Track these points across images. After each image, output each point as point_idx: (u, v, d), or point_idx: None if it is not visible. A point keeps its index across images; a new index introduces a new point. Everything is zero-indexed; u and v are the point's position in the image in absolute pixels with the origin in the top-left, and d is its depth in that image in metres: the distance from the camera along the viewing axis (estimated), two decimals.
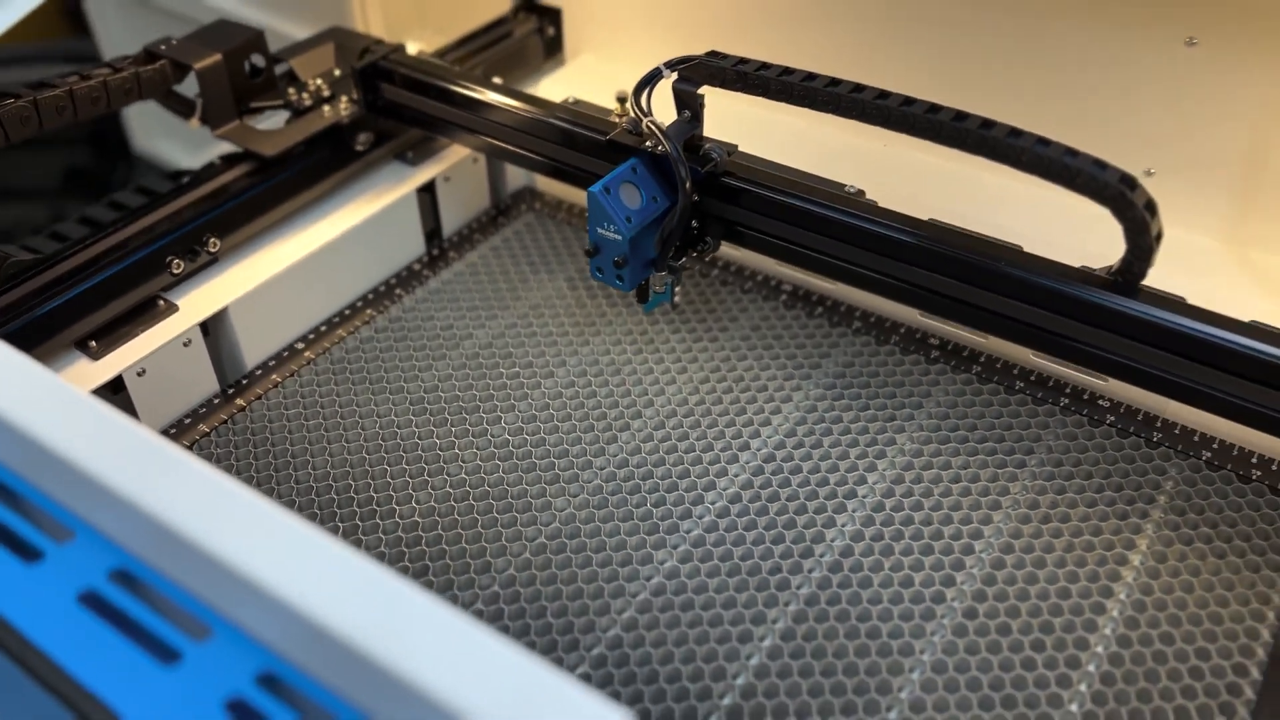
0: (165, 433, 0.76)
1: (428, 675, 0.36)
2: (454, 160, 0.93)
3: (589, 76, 1.03)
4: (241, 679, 0.41)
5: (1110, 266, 0.64)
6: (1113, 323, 0.63)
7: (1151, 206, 0.60)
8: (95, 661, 0.43)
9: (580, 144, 0.77)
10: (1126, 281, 0.63)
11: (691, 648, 0.62)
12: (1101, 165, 0.60)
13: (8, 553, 0.48)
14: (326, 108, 0.85)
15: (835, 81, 0.67)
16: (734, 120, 0.78)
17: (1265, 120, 0.74)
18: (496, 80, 0.90)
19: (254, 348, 0.81)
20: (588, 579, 0.66)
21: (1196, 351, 0.60)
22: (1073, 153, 0.61)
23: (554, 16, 1.03)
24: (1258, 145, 0.76)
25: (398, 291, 0.90)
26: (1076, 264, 0.65)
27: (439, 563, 0.68)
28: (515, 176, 1.00)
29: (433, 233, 0.94)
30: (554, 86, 1.02)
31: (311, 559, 0.42)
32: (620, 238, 0.70)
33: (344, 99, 0.87)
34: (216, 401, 0.79)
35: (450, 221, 0.95)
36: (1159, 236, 0.61)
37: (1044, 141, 0.61)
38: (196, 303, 0.77)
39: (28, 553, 0.49)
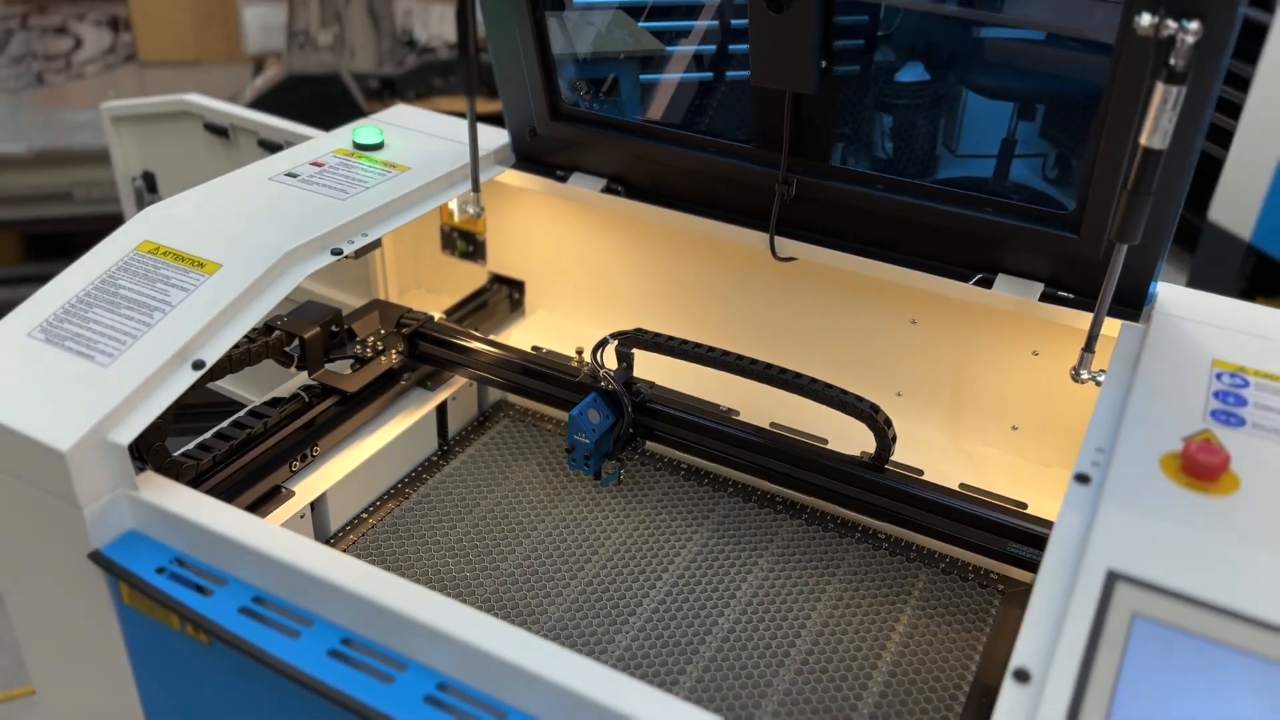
0: None
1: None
2: (458, 386, 1.38)
3: (544, 326, 1.51)
4: None
5: (869, 453, 1.13)
6: (871, 487, 1.11)
7: (888, 422, 1.10)
8: None
9: (559, 382, 1.23)
10: (877, 464, 1.12)
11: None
12: (859, 399, 1.10)
13: (373, 679, 0.85)
14: (382, 358, 1.30)
15: (713, 349, 1.16)
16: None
17: (961, 365, 1.26)
18: (494, 338, 1.35)
19: (338, 517, 1.22)
20: (577, 653, 1.08)
21: (918, 503, 1.09)
22: (844, 392, 1.10)
23: (519, 286, 1.51)
24: (960, 379, 1.28)
25: (424, 476, 1.32)
26: (863, 444, 1.13)
27: None
28: (494, 393, 1.45)
29: (441, 430, 1.38)
30: (520, 334, 1.49)
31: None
32: (589, 441, 1.16)
33: (393, 351, 1.31)
34: None
35: (454, 426, 1.39)
36: (894, 438, 1.11)
37: (830, 386, 1.11)
38: (307, 489, 1.18)
39: (384, 677, 0.86)
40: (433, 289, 1.57)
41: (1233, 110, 3.07)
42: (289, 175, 1.24)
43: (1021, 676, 0.70)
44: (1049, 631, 0.71)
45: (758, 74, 1.09)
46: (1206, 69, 0.87)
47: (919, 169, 1.14)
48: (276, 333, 1.24)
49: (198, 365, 0.99)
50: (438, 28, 3.67)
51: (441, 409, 1.37)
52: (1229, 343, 1.00)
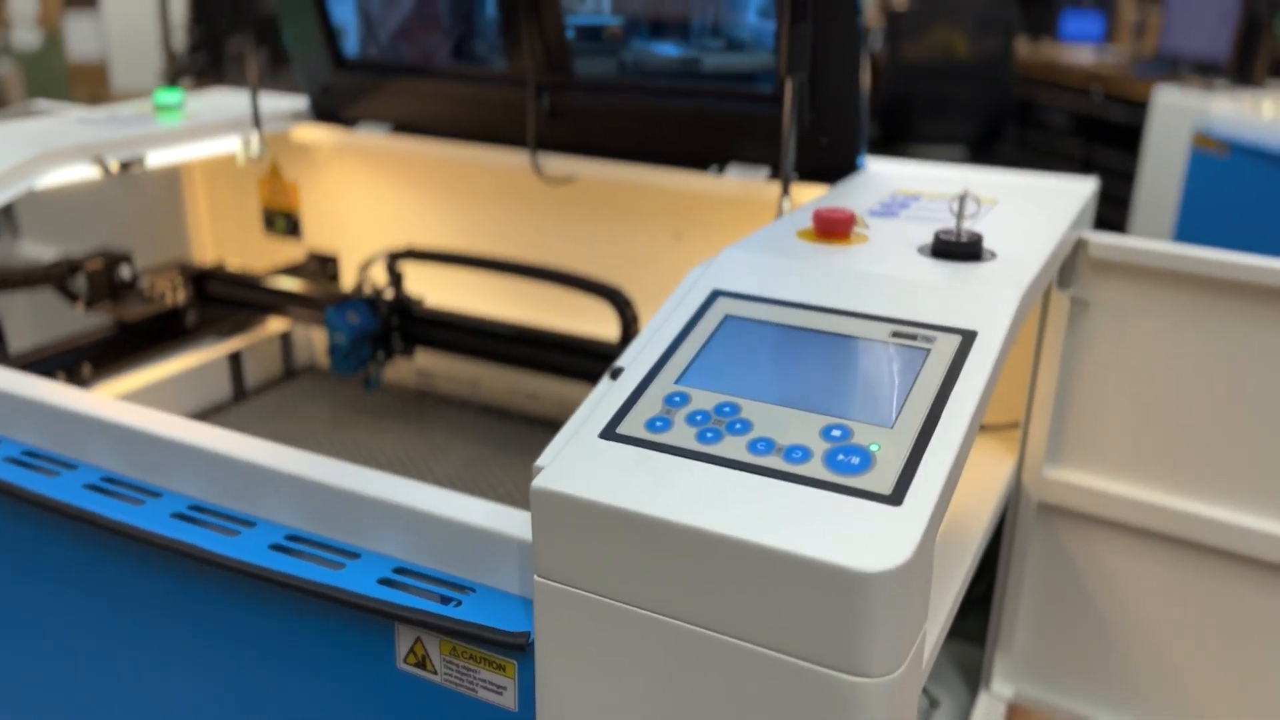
0: None
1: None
2: (258, 339, 1.41)
3: None
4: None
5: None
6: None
7: (628, 303, 1.13)
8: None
9: (334, 300, 1.27)
10: (624, 342, 1.14)
11: None
12: (606, 285, 1.14)
13: (45, 476, 0.87)
14: (168, 297, 1.34)
15: (469, 257, 1.21)
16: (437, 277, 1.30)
17: None
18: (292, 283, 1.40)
19: None
20: None
21: None
22: (588, 279, 1.14)
23: (334, 261, 1.56)
24: None
25: (210, 415, 1.33)
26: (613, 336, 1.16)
27: None
28: (302, 354, 1.48)
29: (236, 377, 1.40)
30: None
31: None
32: (345, 340, 1.18)
33: (181, 293, 1.35)
34: None
35: (252, 378, 1.41)
36: (634, 317, 1.14)
37: (588, 279, 1.15)
38: None
39: (50, 474, 0.88)
40: (251, 266, 1.63)
41: (1123, 205, 3.21)
42: (83, 121, 1.31)
43: (615, 374, 0.71)
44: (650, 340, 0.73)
45: None
46: None
47: (652, 70, 1.22)
48: (62, 262, 1.28)
49: None
50: None
51: (236, 358, 1.39)
52: (919, 183, 1.04)
